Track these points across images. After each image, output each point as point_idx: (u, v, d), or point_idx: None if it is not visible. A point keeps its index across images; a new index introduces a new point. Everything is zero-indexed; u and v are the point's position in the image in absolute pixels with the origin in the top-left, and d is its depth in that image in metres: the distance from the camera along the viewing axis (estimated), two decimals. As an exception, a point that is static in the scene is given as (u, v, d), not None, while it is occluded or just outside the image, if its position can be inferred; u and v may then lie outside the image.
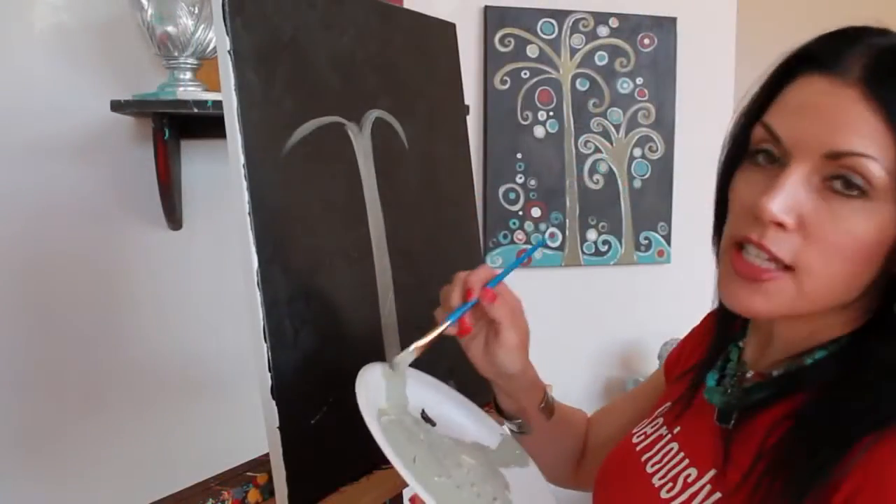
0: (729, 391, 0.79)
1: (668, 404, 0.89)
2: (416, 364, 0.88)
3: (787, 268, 0.68)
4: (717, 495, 0.71)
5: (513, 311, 0.88)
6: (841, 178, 0.65)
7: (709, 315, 0.93)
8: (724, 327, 0.86)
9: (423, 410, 0.89)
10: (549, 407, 0.98)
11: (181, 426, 1.76)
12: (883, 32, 0.67)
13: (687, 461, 0.78)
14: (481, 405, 0.94)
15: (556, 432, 1.01)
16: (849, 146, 0.64)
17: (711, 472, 0.73)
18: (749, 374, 0.79)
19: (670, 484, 0.77)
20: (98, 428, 1.70)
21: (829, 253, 0.66)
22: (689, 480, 0.75)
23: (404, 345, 1.08)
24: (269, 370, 0.87)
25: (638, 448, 0.86)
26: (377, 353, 1.05)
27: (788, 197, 0.66)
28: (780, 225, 0.66)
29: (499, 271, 0.89)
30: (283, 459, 0.87)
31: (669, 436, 0.84)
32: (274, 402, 0.87)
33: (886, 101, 0.63)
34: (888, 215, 0.65)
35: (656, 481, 0.79)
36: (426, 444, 0.82)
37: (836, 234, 0.65)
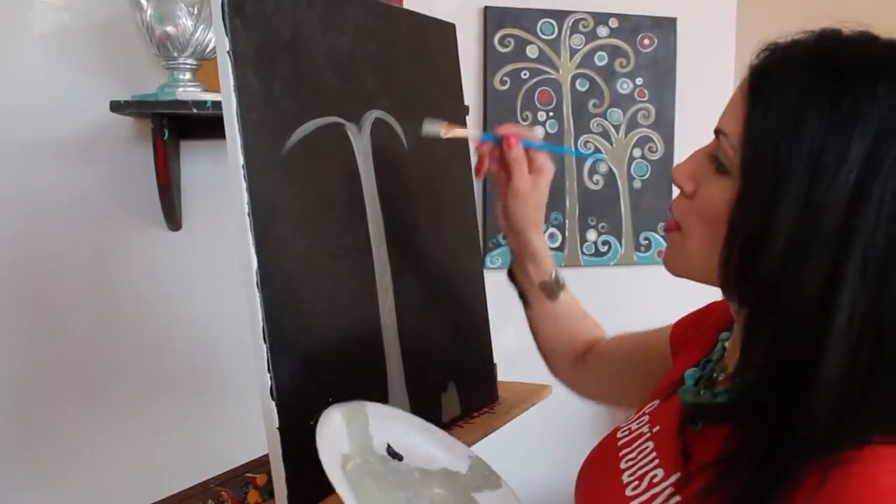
0: (701, 392, 0.79)
1: (656, 402, 0.89)
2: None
3: (679, 227, 0.76)
4: (677, 498, 0.71)
5: (531, 167, 1.02)
6: (715, 155, 0.71)
7: None
8: (717, 317, 0.87)
9: (388, 445, 0.88)
10: (549, 288, 1.08)
11: (181, 427, 1.76)
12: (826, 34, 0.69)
13: (657, 461, 0.78)
14: (478, 409, 0.94)
15: (555, 318, 1.10)
16: (720, 124, 0.71)
17: (676, 475, 0.73)
18: (720, 377, 0.79)
19: (636, 482, 0.77)
20: (97, 428, 1.70)
21: (698, 217, 0.73)
22: (655, 481, 0.75)
23: (405, 347, 1.09)
24: (269, 371, 0.87)
25: (619, 443, 0.87)
26: (377, 353, 1.05)
27: (689, 165, 0.75)
28: (684, 191, 0.75)
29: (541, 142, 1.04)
30: (283, 460, 0.87)
31: (649, 434, 0.84)
32: (273, 403, 0.87)
33: (753, 80, 0.68)
34: (733, 190, 0.68)
35: (625, 478, 0.79)
36: (395, 486, 0.82)
37: (703, 200, 0.73)
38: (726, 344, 0.83)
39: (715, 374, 0.80)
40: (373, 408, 0.89)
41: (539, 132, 2.17)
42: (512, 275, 1.13)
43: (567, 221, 2.22)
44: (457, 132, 1.02)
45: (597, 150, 2.23)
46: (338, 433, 0.82)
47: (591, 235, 2.25)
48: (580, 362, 1.13)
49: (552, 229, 2.21)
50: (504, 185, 1.04)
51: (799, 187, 0.62)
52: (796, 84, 0.64)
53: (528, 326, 1.14)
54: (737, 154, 0.68)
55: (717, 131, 0.71)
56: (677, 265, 0.78)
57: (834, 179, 0.62)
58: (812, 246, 0.62)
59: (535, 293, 1.10)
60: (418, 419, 0.95)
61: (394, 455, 0.88)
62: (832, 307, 0.61)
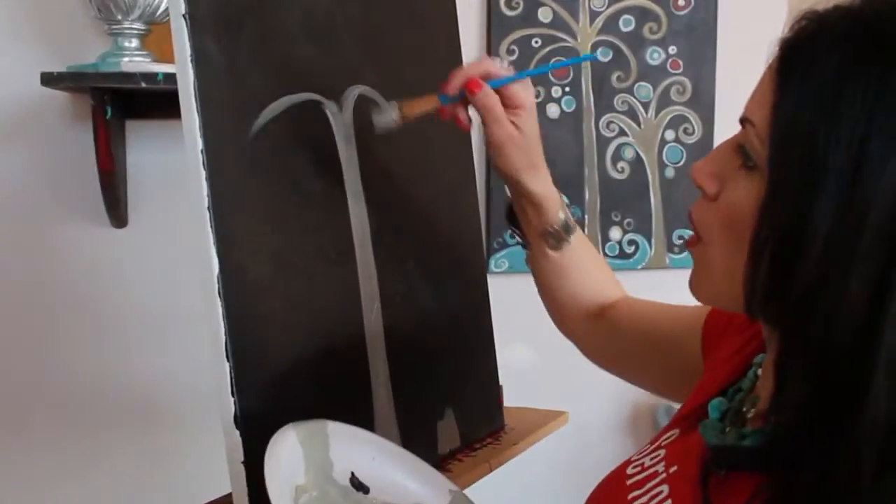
0: (727, 430, 0.78)
1: (675, 433, 0.88)
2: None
3: (701, 239, 0.76)
4: None
5: (505, 105, 1.01)
6: (742, 147, 0.71)
7: None
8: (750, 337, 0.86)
9: (352, 474, 0.87)
10: (554, 237, 1.09)
11: (126, 461, 1.76)
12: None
13: None
14: (481, 439, 0.94)
15: (561, 271, 1.12)
16: (746, 111, 0.70)
17: None
18: (750, 414, 0.78)
19: None
20: (25, 463, 1.70)
21: (723, 224, 0.72)
22: None
23: (394, 367, 1.09)
24: (233, 395, 0.87)
25: (629, 482, 0.86)
26: (361, 374, 1.05)
27: (712, 162, 0.74)
28: (706, 193, 0.74)
29: (510, 72, 1.02)
30: (249, 500, 0.88)
31: (664, 475, 0.82)
32: (238, 433, 0.87)
33: (783, 55, 0.67)
34: (761, 189, 0.67)
35: None
36: None
37: (727, 203, 0.72)
38: (759, 371, 0.82)
39: (744, 409, 0.79)
40: (335, 427, 0.87)
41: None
42: (511, 215, 1.13)
43: (586, 217, 2.23)
44: (415, 108, 1.01)
45: (621, 133, 2.23)
46: (292, 458, 0.80)
47: (615, 233, 2.26)
48: (590, 322, 1.14)
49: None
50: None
51: (838, 182, 0.61)
52: (834, 57, 0.63)
53: (530, 271, 1.15)
54: (765, 145, 0.67)
55: (743, 120, 0.70)
56: (700, 287, 0.78)
57: (881, 172, 0.60)
58: (855, 252, 0.61)
59: (537, 241, 1.11)
60: (390, 443, 0.94)
61: (358, 486, 0.87)
62: (881, 325, 0.60)
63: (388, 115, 0.99)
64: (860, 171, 0.61)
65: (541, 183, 1.05)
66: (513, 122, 1.01)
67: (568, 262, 1.11)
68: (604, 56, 2.21)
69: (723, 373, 0.88)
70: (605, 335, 1.13)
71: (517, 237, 1.15)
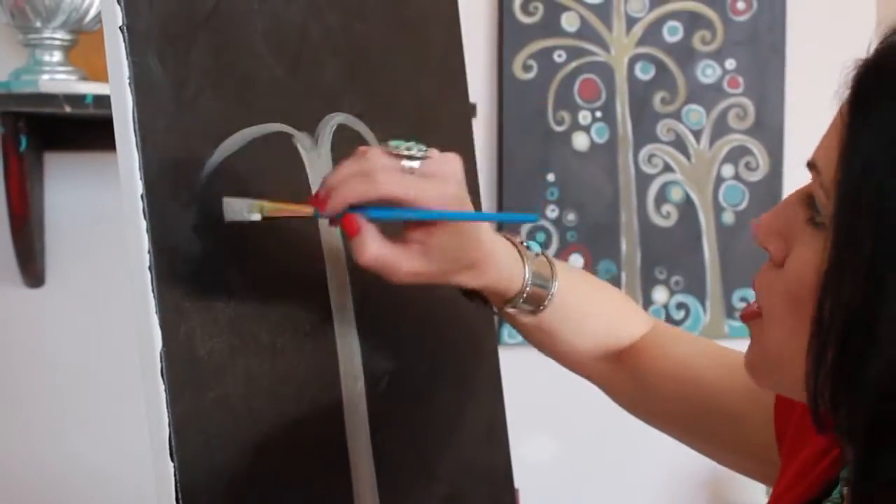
0: None
1: None
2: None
3: (761, 310, 0.77)
4: None
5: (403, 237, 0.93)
6: (812, 198, 0.72)
7: None
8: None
9: None
10: (519, 309, 1.04)
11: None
12: None
13: None
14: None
15: (544, 332, 1.08)
16: (814, 154, 0.71)
17: None
18: None
19: None
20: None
21: (786, 296, 0.73)
22: None
23: (382, 467, 1.09)
24: (178, 501, 0.87)
25: None
26: (340, 475, 1.05)
27: (778, 217, 0.76)
28: (770, 256, 0.76)
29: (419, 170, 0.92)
30: None
31: None
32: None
33: (856, 87, 0.67)
34: (820, 251, 0.68)
35: None
36: None
37: (793, 271, 0.73)
38: (844, 490, 0.81)
39: None
40: None
41: (581, 142, 2.19)
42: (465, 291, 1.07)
43: (623, 274, 2.23)
44: (281, 213, 0.93)
45: (666, 168, 2.24)
46: None
47: (661, 295, 2.26)
48: (606, 365, 1.13)
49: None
50: None
51: None
52: None
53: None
54: (830, 199, 0.68)
55: (811, 165, 0.71)
56: (756, 370, 0.80)
57: None
58: None
59: (506, 312, 1.07)
60: None
61: None
62: None
63: (239, 206, 0.92)
64: None
65: (484, 277, 0.99)
66: (418, 247, 0.93)
67: (553, 322, 1.08)
68: (644, 73, 2.23)
69: (804, 483, 0.88)
70: (630, 384, 1.12)
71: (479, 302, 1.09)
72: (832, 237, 0.67)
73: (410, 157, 0.90)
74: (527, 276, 1.02)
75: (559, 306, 1.06)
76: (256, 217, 0.91)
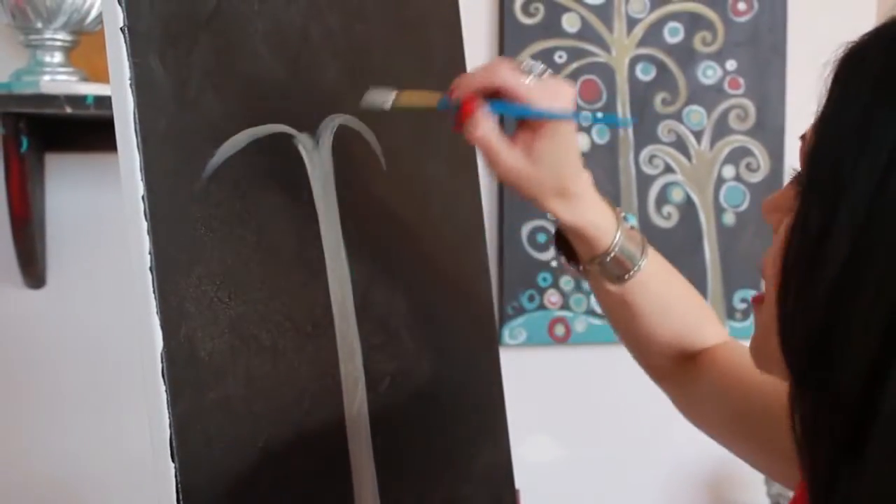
0: None
1: None
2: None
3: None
4: None
5: (520, 129, 1.01)
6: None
7: None
8: None
9: None
10: (604, 271, 1.07)
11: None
12: None
13: None
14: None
15: (626, 307, 1.10)
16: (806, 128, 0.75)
17: None
18: None
19: None
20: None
21: (772, 261, 0.75)
22: None
23: (382, 469, 1.09)
24: (178, 502, 0.87)
25: None
26: (341, 476, 1.05)
27: (781, 193, 0.79)
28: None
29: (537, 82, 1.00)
30: None
31: None
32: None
33: (833, 79, 0.71)
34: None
35: None
36: None
37: (777, 237, 0.77)
38: None
39: None
40: None
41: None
42: (559, 240, 1.12)
43: (624, 275, 2.23)
44: (412, 100, 1.03)
45: (667, 169, 2.24)
46: None
47: (661, 296, 2.26)
48: (679, 364, 1.14)
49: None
50: None
51: (856, 206, 0.65)
52: (874, 67, 0.68)
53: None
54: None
55: (802, 136, 0.76)
56: (756, 352, 0.82)
57: None
58: (861, 285, 0.65)
59: (590, 272, 1.09)
60: None
61: None
62: (883, 381, 0.63)
63: (381, 97, 1.02)
64: (881, 193, 0.65)
65: (576, 212, 1.03)
66: (523, 148, 1.00)
67: (635, 297, 1.09)
68: (645, 74, 2.23)
69: None
70: (694, 385, 1.13)
71: (569, 267, 1.13)
72: (798, 199, 0.70)
73: (531, 70, 0.98)
74: (617, 237, 1.05)
75: (645, 284, 1.08)
76: (388, 106, 1.02)
